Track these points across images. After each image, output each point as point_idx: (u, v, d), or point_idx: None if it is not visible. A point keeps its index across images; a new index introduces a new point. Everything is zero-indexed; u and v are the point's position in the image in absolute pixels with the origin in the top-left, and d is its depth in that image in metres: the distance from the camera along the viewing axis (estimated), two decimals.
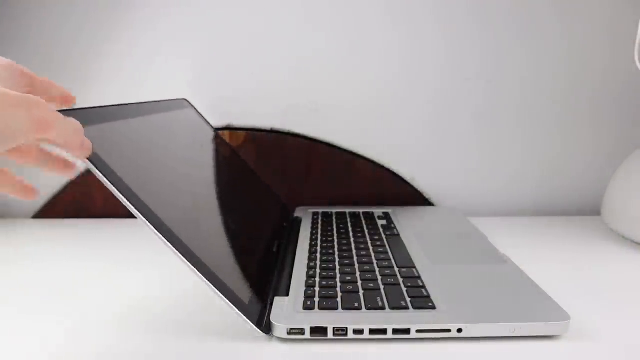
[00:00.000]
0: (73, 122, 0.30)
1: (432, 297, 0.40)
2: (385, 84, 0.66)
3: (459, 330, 0.36)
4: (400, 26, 0.64)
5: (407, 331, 0.36)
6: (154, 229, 0.33)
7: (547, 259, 0.53)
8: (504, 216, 0.70)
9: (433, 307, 0.38)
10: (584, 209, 0.70)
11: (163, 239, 0.33)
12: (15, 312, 0.42)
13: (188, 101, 0.59)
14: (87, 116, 0.35)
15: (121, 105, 0.42)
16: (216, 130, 0.62)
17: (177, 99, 0.57)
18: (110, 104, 0.40)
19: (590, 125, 0.68)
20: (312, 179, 0.69)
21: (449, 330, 0.36)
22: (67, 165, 0.38)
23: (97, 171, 0.31)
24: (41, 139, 0.27)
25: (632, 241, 0.58)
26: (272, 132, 0.68)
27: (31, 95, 0.26)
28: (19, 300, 0.44)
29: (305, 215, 0.64)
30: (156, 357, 0.35)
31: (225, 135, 0.67)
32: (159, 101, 0.51)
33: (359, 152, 0.69)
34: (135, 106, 0.44)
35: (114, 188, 0.32)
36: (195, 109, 0.60)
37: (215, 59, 0.65)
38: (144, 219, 0.32)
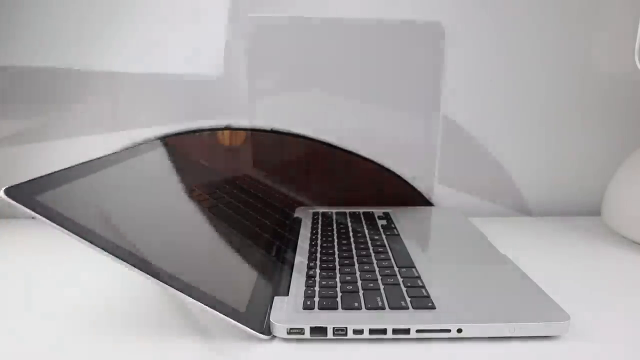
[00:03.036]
0: None
1: (432, 297, 0.40)
2: (385, 84, 0.66)
3: (459, 330, 0.36)
4: (399, 24, 0.64)
5: (407, 331, 0.36)
6: (130, 265, 0.34)
7: (547, 259, 0.53)
8: (504, 216, 0.70)
9: (433, 307, 0.38)
10: (584, 209, 0.70)
11: (139, 271, 0.34)
12: (16, 311, 0.42)
13: (161, 139, 0.63)
14: (62, 176, 0.37)
15: (97, 158, 0.44)
16: (197, 161, 0.64)
17: (150, 141, 0.61)
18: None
19: (590, 125, 0.68)
20: (312, 179, 0.69)
21: (448, 330, 0.36)
22: None
23: (69, 233, 0.33)
24: None
25: (632, 241, 0.58)
26: (272, 132, 0.68)
27: None
28: (19, 300, 0.44)
29: (305, 216, 0.64)
30: (155, 357, 0.35)
31: (226, 135, 0.67)
32: (133, 146, 0.53)
33: (359, 152, 0.69)
34: (110, 156, 0.47)
35: (89, 243, 0.34)
36: (168, 145, 0.62)
37: (215, 59, 0.65)
38: (121, 261, 0.34)
